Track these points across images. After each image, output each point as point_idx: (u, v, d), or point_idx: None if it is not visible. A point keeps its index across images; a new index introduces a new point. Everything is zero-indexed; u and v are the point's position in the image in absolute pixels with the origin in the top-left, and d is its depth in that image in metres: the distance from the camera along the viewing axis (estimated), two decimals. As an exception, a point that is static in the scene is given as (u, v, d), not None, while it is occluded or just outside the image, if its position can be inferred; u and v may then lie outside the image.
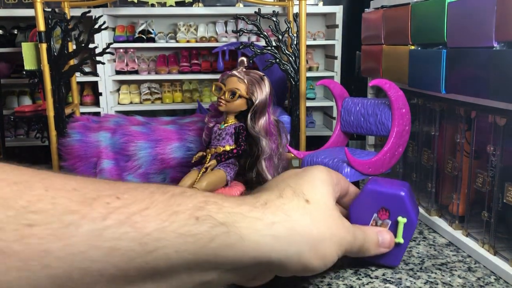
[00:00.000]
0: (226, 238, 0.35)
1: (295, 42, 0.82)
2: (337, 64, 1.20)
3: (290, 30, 0.82)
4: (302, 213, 0.40)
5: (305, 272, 0.41)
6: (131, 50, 1.25)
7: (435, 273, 0.52)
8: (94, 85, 1.17)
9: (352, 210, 0.52)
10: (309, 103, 1.15)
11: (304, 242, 0.39)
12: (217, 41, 1.21)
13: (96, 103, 1.19)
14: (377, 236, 0.49)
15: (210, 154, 0.69)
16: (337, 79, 1.19)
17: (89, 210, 0.31)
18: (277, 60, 0.82)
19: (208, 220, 0.35)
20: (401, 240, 0.50)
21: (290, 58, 0.83)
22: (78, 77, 1.07)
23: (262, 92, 0.69)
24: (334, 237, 0.42)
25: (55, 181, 0.32)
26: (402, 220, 0.50)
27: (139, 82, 1.26)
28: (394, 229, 0.51)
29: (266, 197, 0.40)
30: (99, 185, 0.34)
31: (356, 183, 0.65)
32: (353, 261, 0.55)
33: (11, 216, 0.29)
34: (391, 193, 0.51)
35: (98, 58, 0.81)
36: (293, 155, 0.73)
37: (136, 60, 1.25)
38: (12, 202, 0.29)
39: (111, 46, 0.89)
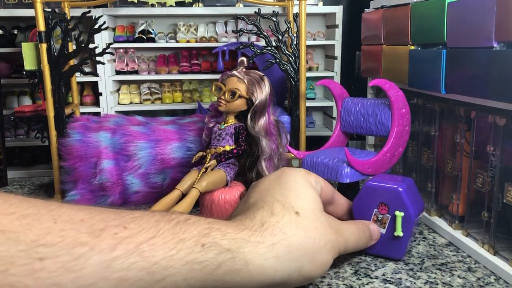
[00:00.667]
0: (232, 264, 0.36)
1: (295, 42, 0.82)
2: (337, 64, 1.20)
3: (290, 30, 0.82)
4: (296, 227, 0.41)
5: (306, 281, 0.42)
6: (131, 50, 1.24)
7: (435, 273, 0.52)
8: (94, 85, 1.17)
9: (355, 207, 0.54)
10: (309, 103, 1.15)
11: (302, 256, 0.40)
12: (217, 41, 1.21)
13: (96, 103, 1.18)
14: (369, 229, 0.52)
15: (210, 154, 0.69)
16: (337, 79, 1.19)
17: (97, 242, 0.31)
18: (277, 60, 0.82)
19: (213, 247, 0.36)
20: (400, 233, 0.52)
21: (290, 58, 0.83)
22: (78, 77, 1.07)
23: (262, 92, 0.69)
24: (328, 243, 0.43)
25: (63, 212, 0.32)
26: (399, 214, 0.52)
27: (139, 82, 1.26)
28: (394, 223, 0.53)
29: (260, 217, 0.41)
30: (106, 215, 0.34)
31: (356, 183, 0.66)
32: (353, 261, 0.55)
33: (22, 251, 0.29)
34: (389, 188, 0.53)
35: (98, 58, 0.81)
36: (293, 155, 0.73)
37: (136, 60, 1.25)
38: (22, 236, 0.29)
39: (111, 46, 0.89)
